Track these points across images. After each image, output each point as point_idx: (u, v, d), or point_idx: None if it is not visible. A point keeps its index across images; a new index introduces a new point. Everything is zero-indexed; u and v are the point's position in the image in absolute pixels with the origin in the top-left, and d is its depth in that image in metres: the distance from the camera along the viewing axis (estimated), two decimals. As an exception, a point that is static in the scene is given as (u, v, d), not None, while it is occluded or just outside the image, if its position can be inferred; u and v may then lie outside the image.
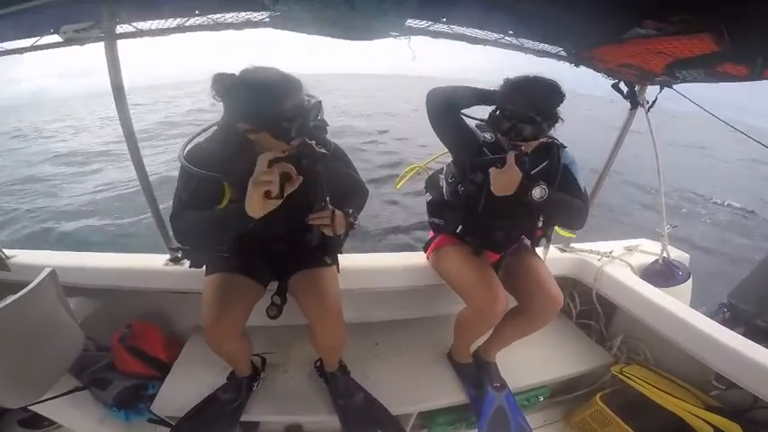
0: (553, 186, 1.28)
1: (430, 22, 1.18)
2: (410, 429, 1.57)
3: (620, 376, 1.61)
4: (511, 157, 1.17)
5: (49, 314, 1.17)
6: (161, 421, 1.48)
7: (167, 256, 1.62)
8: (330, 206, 1.08)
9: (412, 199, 6.36)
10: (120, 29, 1.08)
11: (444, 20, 1.17)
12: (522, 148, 1.23)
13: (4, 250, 1.56)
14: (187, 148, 1.08)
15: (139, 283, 1.61)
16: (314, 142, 0.94)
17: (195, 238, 1.09)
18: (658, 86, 1.50)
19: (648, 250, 2.00)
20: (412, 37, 1.22)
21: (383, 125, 14.78)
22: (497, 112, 1.28)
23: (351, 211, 1.17)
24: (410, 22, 1.16)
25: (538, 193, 1.20)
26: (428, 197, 1.60)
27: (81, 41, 1.08)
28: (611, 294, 1.81)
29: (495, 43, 1.34)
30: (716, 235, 6.98)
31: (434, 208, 1.56)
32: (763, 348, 1.32)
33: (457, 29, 1.23)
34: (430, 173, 1.68)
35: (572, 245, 2.00)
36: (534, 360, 1.73)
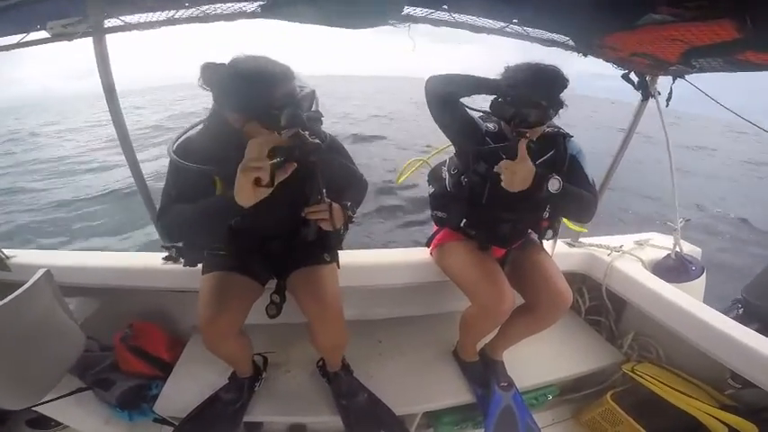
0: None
1: (430, 10, 1.12)
2: (415, 429, 1.55)
3: (632, 374, 1.57)
4: (522, 146, 1.12)
5: (47, 315, 1.16)
6: (166, 421, 1.48)
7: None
8: (327, 199, 1.05)
9: (413, 196, 6.31)
10: (109, 23, 1.05)
11: (446, 7, 1.12)
12: (527, 135, 1.18)
13: (4, 250, 1.56)
14: (177, 143, 1.04)
15: (140, 282, 1.59)
16: (307, 133, 0.90)
17: (182, 232, 1.05)
18: (671, 77, 1.44)
19: (660, 244, 1.94)
20: (415, 39, 1.17)
21: (383, 127, 14.67)
22: (500, 99, 1.23)
23: (349, 204, 1.13)
24: (409, 10, 1.11)
25: (555, 185, 1.15)
26: (431, 190, 1.56)
27: (69, 37, 1.04)
28: (621, 290, 1.76)
29: (500, 32, 1.28)
30: (724, 232, 6.86)
31: (437, 200, 1.53)
32: None
33: (459, 17, 1.18)
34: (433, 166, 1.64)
35: (581, 239, 1.95)
36: (542, 358, 1.69)
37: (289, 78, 0.95)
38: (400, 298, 1.89)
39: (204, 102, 1.05)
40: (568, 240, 1.96)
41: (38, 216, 6.50)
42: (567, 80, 1.18)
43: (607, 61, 1.43)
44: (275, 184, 0.86)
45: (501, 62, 1.24)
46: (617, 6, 1.01)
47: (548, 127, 1.31)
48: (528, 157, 1.12)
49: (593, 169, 1.39)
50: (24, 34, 1.05)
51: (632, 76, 1.50)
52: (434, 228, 1.64)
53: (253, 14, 1.04)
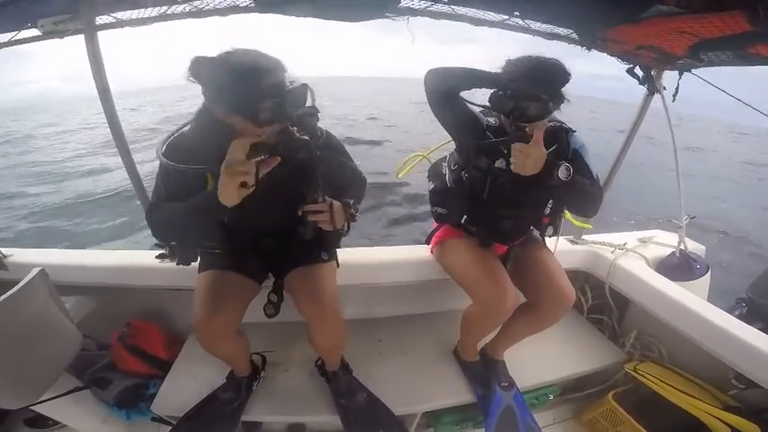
0: None
1: (429, 2, 1.09)
2: (415, 428, 1.53)
3: (634, 374, 1.55)
4: (539, 132, 1.09)
5: (42, 314, 1.15)
6: (163, 420, 1.47)
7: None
8: (326, 198, 1.02)
9: (410, 193, 6.27)
10: (100, 20, 1.03)
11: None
12: (527, 129, 1.15)
13: (2, 249, 1.55)
14: (167, 143, 1.01)
15: (138, 281, 1.58)
16: (295, 129, 0.87)
17: (173, 230, 1.03)
18: (677, 72, 1.40)
19: (664, 242, 1.91)
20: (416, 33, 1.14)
21: (383, 129, 14.59)
22: (500, 93, 1.19)
23: (351, 201, 1.10)
24: (407, 2, 1.08)
25: (563, 172, 1.12)
26: (431, 186, 1.54)
27: (60, 34, 1.03)
28: (624, 288, 1.74)
29: (501, 25, 1.25)
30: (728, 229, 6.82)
31: (437, 196, 1.50)
32: None
33: (458, 9, 1.15)
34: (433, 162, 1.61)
35: (583, 236, 1.92)
36: (544, 357, 1.68)
37: (274, 70, 0.90)
38: (400, 296, 1.87)
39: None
40: (571, 237, 1.93)
41: (38, 218, 6.50)
42: (570, 74, 1.14)
43: (611, 55, 1.40)
44: (259, 180, 0.84)
45: (501, 62, 1.20)
46: (621, -3, 0.98)
47: (549, 121, 1.28)
48: (542, 141, 1.09)
49: (598, 168, 1.36)
50: (15, 32, 1.03)
51: (637, 70, 1.46)
52: (434, 224, 1.62)
53: (247, 9, 1.02)
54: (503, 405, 1.44)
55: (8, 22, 1.02)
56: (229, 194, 0.83)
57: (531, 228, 1.47)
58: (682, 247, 1.80)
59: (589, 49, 1.34)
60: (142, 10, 0.99)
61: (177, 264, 1.21)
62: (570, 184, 1.14)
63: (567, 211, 1.52)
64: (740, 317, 1.44)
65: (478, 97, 1.28)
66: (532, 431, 1.43)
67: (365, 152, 10.19)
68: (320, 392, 1.46)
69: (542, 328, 1.41)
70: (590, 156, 1.34)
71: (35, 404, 1.21)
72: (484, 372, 1.54)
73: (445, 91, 1.22)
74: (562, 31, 1.30)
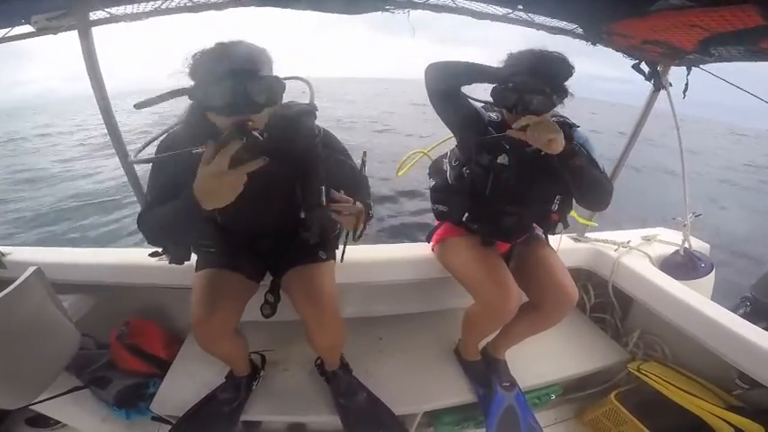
0: None
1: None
2: (415, 428, 1.52)
3: (637, 373, 1.53)
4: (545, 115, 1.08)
5: (39, 312, 1.14)
6: (163, 420, 1.46)
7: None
8: (346, 197, 1.00)
9: (408, 189, 6.25)
10: (94, 15, 1.00)
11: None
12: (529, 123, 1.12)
13: (0, 247, 1.54)
14: (156, 142, 0.99)
15: (137, 279, 1.57)
16: (251, 123, 0.81)
17: (163, 234, 1.00)
18: (685, 67, 1.37)
19: (668, 240, 1.89)
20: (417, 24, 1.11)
21: (384, 131, 14.52)
22: (501, 87, 1.15)
23: (369, 202, 1.09)
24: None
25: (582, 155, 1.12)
26: (431, 183, 1.52)
27: (54, 30, 1.01)
28: (628, 287, 1.72)
29: (504, 19, 1.21)
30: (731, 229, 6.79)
31: (438, 194, 1.48)
32: None
33: (460, 2, 1.12)
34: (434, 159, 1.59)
35: (586, 234, 1.90)
36: (546, 356, 1.66)
37: (247, 60, 0.84)
38: (401, 295, 1.85)
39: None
40: (574, 235, 1.91)
41: (38, 218, 6.49)
42: (573, 67, 1.12)
43: (617, 50, 1.37)
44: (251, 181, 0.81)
45: (502, 59, 1.18)
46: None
47: (552, 116, 1.25)
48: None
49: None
50: (8, 29, 1.01)
51: (643, 66, 1.43)
52: (435, 222, 1.60)
53: (244, 2, 0.99)
54: (504, 405, 1.43)
55: (1, 19, 1.00)
56: (217, 199, 0.80)
57: (534, 225, 1.45)
58: (686, 245, 1.78)
59: (594, 43, 1.31)
60: (136, 5, 0.97)
61: (170, 262, 1.19)
62: (583, 175, 1.13)
63: (572, 210, 1.50)
64: (744, 316, 1.43)
65: (479, 93, 1.26)
66: (534, 431, 1.42)
67: (366, 150, 10.14)
68: (320, 392, 1.45)
69: (545, 327, 1.39)
70: (595, 151, 1.31)
71: (34, 403, 1.20)
72: (485, 371, 1.53)
73: (447, 88, 1.19)
74: (566, 25, 1.26)
